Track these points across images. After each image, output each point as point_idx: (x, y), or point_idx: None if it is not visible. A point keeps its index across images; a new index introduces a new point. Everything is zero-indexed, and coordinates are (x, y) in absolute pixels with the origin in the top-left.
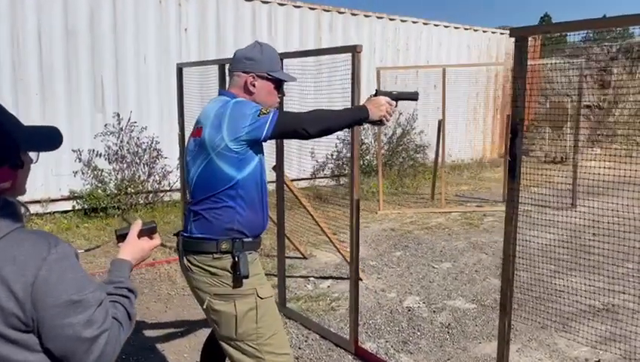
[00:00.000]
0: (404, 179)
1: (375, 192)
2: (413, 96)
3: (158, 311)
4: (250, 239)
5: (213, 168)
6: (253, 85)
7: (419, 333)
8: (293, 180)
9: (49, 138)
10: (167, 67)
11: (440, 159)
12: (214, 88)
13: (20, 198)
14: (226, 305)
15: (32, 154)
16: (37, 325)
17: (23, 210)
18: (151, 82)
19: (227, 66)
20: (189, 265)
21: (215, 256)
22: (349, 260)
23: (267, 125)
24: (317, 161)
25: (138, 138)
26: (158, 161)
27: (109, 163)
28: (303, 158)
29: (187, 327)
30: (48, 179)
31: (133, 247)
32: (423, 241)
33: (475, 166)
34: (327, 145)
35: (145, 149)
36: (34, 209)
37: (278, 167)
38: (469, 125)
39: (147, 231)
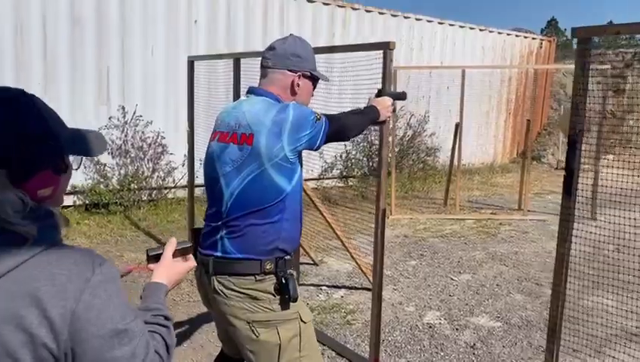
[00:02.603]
0: (415, 182)
1: (386, 196)
2: (403, 96)
3: None
4: (289, 257)
5: (264, 180)
6: (299, 85)
7: (442, 354)
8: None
9: (93, 142)
10: (176, 60)
11: (455, 163)
12: (224, 83)
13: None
14: (268, 332)
15: (73, 160)
16: (71, 360)
17: (62, 221)
18: (158, 75)
19: (241, 60)
20: (222, 288)
21: (258, 277)
22: (364, 269)
23: (322, 133)
24: (325, 162)
25: (143, 132)
26: (162, 157)
27: (112, 157)
28: (312, 158)
29: (193, 338)
30: None
31: (168, 270)
32: (439, 250)
33: (486, 171)
34: (336, 146)
35: (150, 144)
36: None
37: None
38: (480, 129)
39: (181, 252)
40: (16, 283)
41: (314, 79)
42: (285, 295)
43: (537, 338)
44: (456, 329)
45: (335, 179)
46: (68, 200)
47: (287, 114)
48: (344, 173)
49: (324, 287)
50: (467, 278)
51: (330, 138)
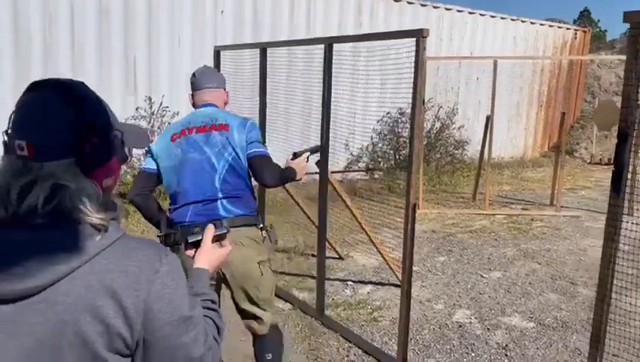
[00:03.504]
0: (442, 176)
1: (416, 190)
2: (318, 149)
3: None
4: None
5: (241, 158)
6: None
7: (473, 354)
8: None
9: (144, 136)
10: (202, 50)
11: (486, 157)
12: (249, 73)
13: None
14: (264, 267)
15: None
16: (141, 348)
17: (124, 213)
18: (184, 65)
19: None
20: (236, 239)
21: (258, 226)
22: (391, 265)
23: (265, 150)
24: (352, 154)
25: (169, 123)
26: None
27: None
28: (337, 150)
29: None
30: None
31: (210, 255)
32: (468, 246)
33: (515, 164)
34: (362, 138)
35: None
36: None
37: (323, 161)
38: (510, 121)
39: (217, 238)
40: (92, 274)
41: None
42: (273, 240)
43: (573, 340)
44: (488, 329)
45: (361, 172)
46: None
47: (246, 120)
48: (370, 166)
49: (349, 282)
50: (498, 276)
51: (260, 164)
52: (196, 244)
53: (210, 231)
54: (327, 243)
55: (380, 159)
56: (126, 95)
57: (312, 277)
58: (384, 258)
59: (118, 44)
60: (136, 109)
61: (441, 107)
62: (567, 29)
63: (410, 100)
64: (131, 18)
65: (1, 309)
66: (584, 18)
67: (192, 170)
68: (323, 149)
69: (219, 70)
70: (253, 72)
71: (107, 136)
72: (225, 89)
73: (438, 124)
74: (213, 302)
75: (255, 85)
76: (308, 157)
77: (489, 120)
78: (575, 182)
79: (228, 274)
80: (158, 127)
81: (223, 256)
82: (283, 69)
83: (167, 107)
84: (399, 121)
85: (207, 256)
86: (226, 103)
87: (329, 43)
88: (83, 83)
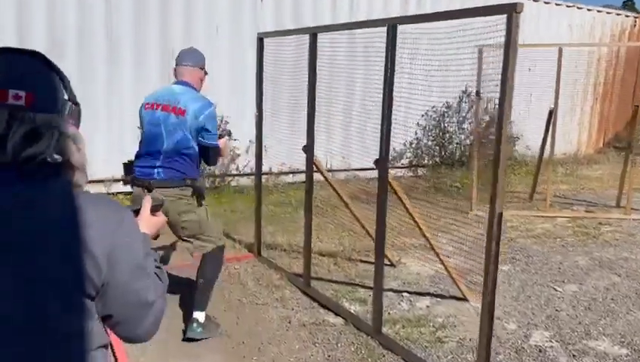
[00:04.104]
0: (489, 173)
1: (460, 188)
2: (228, 134)
3: (229, 323)
4: (195, 181)
5: (186, 139)
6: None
7: None
8: (363, 169)
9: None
10: (240, 38)
11: (547, 154)
12: (292, 61)
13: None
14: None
15: None
16: (105, 291)
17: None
18: (222, 54)
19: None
20: (163, 195)
21: (181, 188)
22: (454, 276)
23: (215, 137)
24: (394, 150)
25: None
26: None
27: None
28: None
29: (263, 347)
30: (111, 157)
31: (148, 223)
32: (533, 253)
33: (569, 162)
34: (405, 132)
35: None
36: (96, 189)
37: (383, 157)
38: (564, 115)
39: (154, 209)
40: (68, 225)
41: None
42: (198, 197)
43: None
44: (573, 355)
45: (404, 169)
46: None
47: (205, 109)
48: (414, 162)
49: (405, 294)
50: (573, 289)
51: (205, 149)
52: (136, 213)
53: (148, 202)
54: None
55: (424, 155)
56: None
57: (363, 286)
58: (446, 268)
59: (155, 34)
60: None
61: (490, 100)
62: (627, 16)
63: (458, 92)
64: (169, 6)
65: None
66: (627, 7)
67: (148, 139)
68: (384, 146)
69: (260, 60)
70: (298, 60)
71: (77, 103)
72: (202, 68)
73: (486, 118)
74: (156, 260)
75: (299, 75)
76: (227, 139)
77: (552, 114)
78: None
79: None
80: None
81: (160, 223)
82: (331, 54)
83: None
84: (445, 114)
85: (147, 223)
86: (202, 81)
87: (393, 24)
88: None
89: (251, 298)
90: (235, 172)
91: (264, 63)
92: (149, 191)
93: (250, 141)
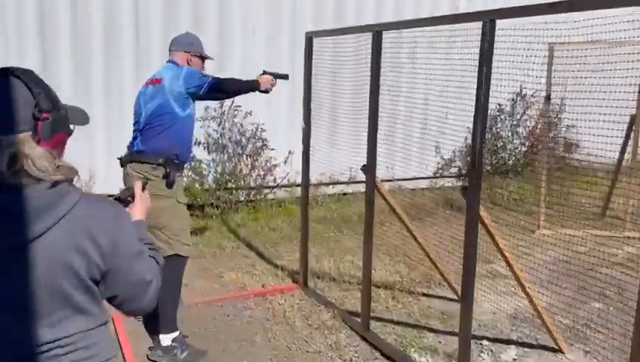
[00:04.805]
0: (551, 185)
1: (518, 200)
2: (285, 77)
3: None
4: (177, 161)
5: (166, 106)
6: (191, 60)
7: None
8: (408, 179)
9: (81, 114)
10: (277, 40)
11: (627, 164)
12: (346, 64)
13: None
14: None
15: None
16: (108, 274)
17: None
18: (258, 57)
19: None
20: (132, 171)
21: (154, 166)
22: (545, 317)
23: (207, 83)
24: (442, 158)
25: (241, 124)
26: (262, 153)
27: (209, 152)
28: (426, 153)
29: None
30: None
31: (142, 208)
32: (626, 287)
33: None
34: (456, 139)
35: (249, 138)
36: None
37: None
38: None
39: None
40: (73, 221)
41: (202, 58)
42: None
43: None
44: None
45: (452, 179)
46: None
47: (182, 70)
48: (463, 171)
49: (484, 342)
50: None
51: (213, 89)
52: (122, 200)
53: (138, 186)
54: (442, 277)
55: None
56: None
57: (431, 329)
58: (535, 308)
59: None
60: (205, 109)
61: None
62: None
63: (511, 94)
64: (201, 7)
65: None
66: None
67: (135, 113)
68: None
69: (308, 63)
70: (356, 61)
71: (57, 113)
72: (186, 51)
73: (541, 122)
74: (152, 243)
75: (357, 79)
76: (276, 78)
77: (633, 120)
78: None
79: None
80: (229, 129)
81: (146, 209)
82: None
83: (239, 106)
84: (497, 118)
85: (141, 210)
86: (189, 62)
87: (490, 19)
88: (32, 70)
89: (301, 343)
90: (271, 184)
91: (313, 65)
92: (122, 165)
93: (289, 152)
